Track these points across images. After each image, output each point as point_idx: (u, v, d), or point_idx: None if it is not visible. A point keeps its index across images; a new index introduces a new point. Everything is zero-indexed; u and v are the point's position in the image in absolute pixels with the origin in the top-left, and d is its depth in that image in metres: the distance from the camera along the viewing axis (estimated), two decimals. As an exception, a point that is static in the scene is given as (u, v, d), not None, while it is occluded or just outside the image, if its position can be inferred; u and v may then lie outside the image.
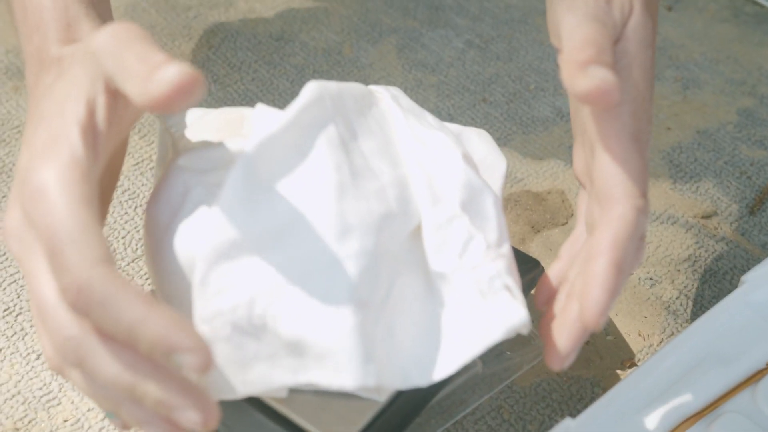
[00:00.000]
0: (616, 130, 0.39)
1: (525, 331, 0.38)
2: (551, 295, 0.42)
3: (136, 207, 0.57)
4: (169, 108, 0.33)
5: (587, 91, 0.36)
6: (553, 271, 0.44)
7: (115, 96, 0.37)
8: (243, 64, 0.68)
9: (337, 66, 0.68)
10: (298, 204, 0.37)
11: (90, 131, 0.36)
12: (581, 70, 0.37)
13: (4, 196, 0.57)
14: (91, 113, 0.36)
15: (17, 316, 0.51)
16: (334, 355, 0.35)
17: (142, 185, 0.59)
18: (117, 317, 0.32)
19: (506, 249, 0.40)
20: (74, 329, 0.34)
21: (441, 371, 0.38)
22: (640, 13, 0.41)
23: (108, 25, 0.37)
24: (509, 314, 0.38)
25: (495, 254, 0.39)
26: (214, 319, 0.36)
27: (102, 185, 0.39)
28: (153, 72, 0.33)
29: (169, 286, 0.38)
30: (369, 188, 0.38)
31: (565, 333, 0.39)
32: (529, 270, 0.45)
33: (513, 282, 0.38)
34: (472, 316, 0.38)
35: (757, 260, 0.56)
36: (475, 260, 0.39)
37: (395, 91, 0.45)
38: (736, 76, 0.69)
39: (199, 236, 0.37)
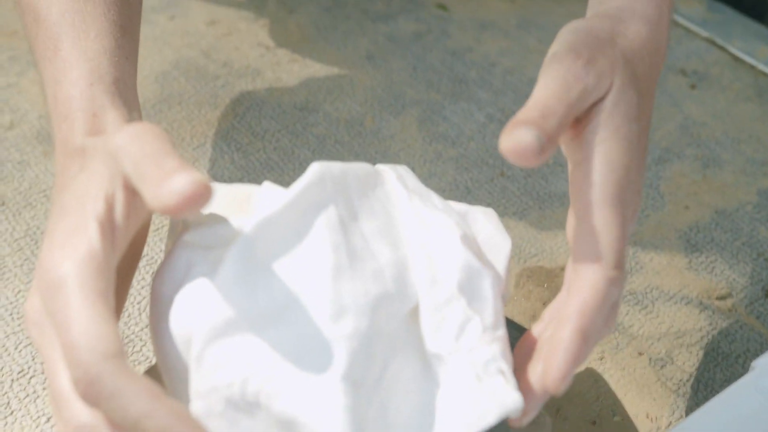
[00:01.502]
0: (595, 199, 0.40)
1: (518, 415, 0.38)
2: (528, 353, 0.42)
3: (153, 273, 0.58)
4: (180, 215, 0.35)
5: (503, 148, 0.38)
6: (535, 330, 0.44)
7: (133, 192, 0.39)
8: (266, 133, 0.69)
9: (358, 137, 0.69)
10: (295, 284, 0.37)
11: (108, 226, 0.38)
12: (512, 128, 0.38)
13: (26, 260, 0.59)
14: (109, 209, 0.38)
15: (30, 378, 0.52)
16: (323, 435, 0.36)
17: (161, 251, 0.60)
18: (124, 410, 0.34)
19: (501, 332, 0.40)
20: (86, 418, 0.36)
21: (434, 453, 0.38)
22: (621, 86, 0.42)
23: (128, 125, 0.39)
24: (503, 399, 0.38)
25: (491, 337, 0.39)
26: (209, 395, 0.37)
27: (123, 266, 0.42)
28: (165, 180, 0.35)
29: (168, 359, 0.39)
30: (366, 269, 0.39)
31: (528, 393, 0.39)
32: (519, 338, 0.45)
33: (507, 367, 0.39)
34: (467, 398, 0.38)
35: (771, 345, 0.56)
36: (472, 343, 0.39)
37: (402, 170, 0.46)
38: (757, 156, 0.69)
39: (197, 313, 0.37)
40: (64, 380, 0.37)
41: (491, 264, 0.43)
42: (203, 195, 0.35)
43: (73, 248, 0.37)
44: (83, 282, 0.36)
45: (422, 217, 0.42)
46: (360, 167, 0.43)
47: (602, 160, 0.41)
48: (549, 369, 0.38)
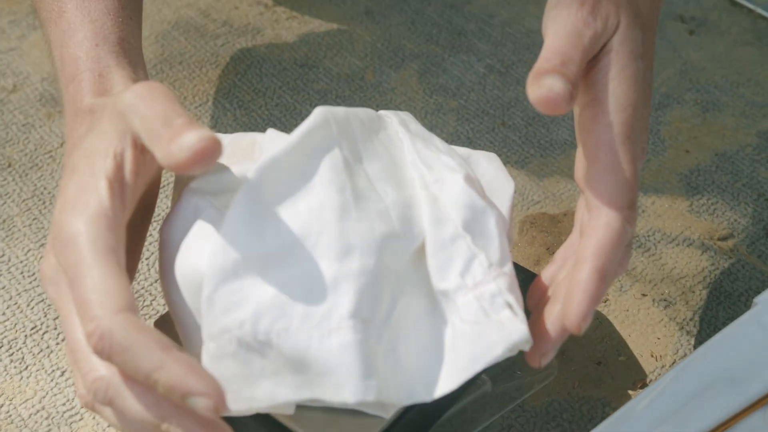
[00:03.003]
0: (606, 139, 0.40)
1: (526, 347, 0.39)
2: (541, 296, 0.43)
3: (159, 228, 0.59)
4: (191, 170, 0.36)
5: (535, 99, 0.39)
6: (546, 273, 0.45)
7: (142, 150, 0.40)
8: (268, 90, 0.70)
9: (359, 91, 0.70)
10: (301, 225, 0.38)
11: (117, 184, 0.39)
12: (537, 78, 0.39)
13: (34, 219, 0.59)
14: (118, 167, 0.39)
15: (44, 334, 0.53)
16: (335, 371, 0.36)
17: (167, 207, 0.60)
18: (136, 363, 0.35)
19: (508, 268, 0.40)
20: (102, 371, 0.37)
21: (443, 387, 0.39)
22: (627, 25, 0.42)
23: (135, 85, 0.40)
24: (511, 331, 0.38)
25: (497, 272, 0.40)
26: (221, 336, 0.37)
27: (135, 223, 0.42)
28: (175, 137, 0.36)
29: (178, 305, 0.40)
30: (372, 209, 0.39)
31: (545, 333, 0.40)
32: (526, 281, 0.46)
33: (514, 300, 0.39)
34: (475, 333, 0.39)
35: (773, 282, 0.56)
36: (477, 278, 0.39)
37: (405, 115, 0.46)
38: (756, 99, 0.69)
39: (206, 256, 0.38)
40: (79, 335, 0.38)
41: (495, 205, 0.43)
42: (214, 150, 0.36)
43: (83, 206, 0.38)
44: (94, 238, 0.37)
45: (425, 159, 0.42)
46: (363, 111, 0.43)
47: (611, 100, 0.41)
48: (569, 309, 0.39)
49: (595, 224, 0.40)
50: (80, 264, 0.36)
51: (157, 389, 0.35)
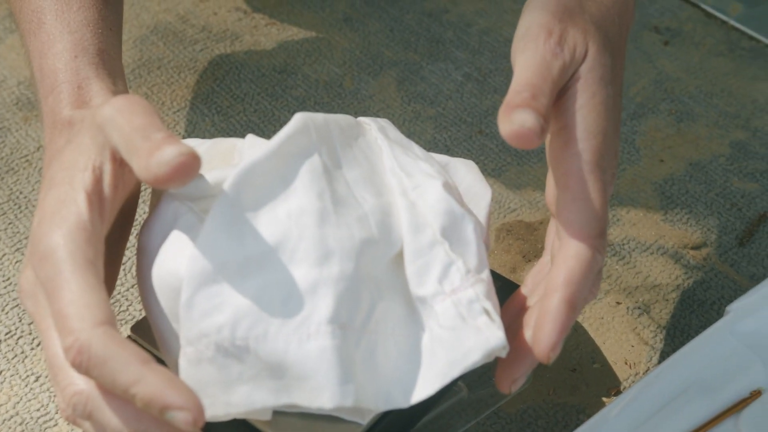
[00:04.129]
0: (575, 168, 0.41)
1: (503, 353, 0.39)
2: (517, 313, 0.43)
3: (137, 234, 0.59)
4: (169, 185, 0.36)
5: (507, 134, 0.39)
6: (518, 296, 0.45)
7: (121, 163, 0.40)
8: (246, 96, 0.70)
9: (338, 98, 0.70)
10: (280, 230, 0.38)
11: (96, 197, 0.39)
12: (508, 113, 0.39)
13: (10, 224, 0.59)
14: (97, 180, 0.39)
15: (18, 339, 0.53)
16: (312, 376, 0.36)
17: (144, 213, 0.60)
18: (114, 377, 0.35)
19: (486, 274, 0.41)
20: (81, 385, 0.37)
21: (421, 393, 0.39)
22: (596, 52, 0.43)
23: (114, 98, 0.40)
24: (488, 337, 0.39)
25: (474, 279, 0.40)
26: (199, 341, 0.37)
27: (113, 236, 0.42)
28: (153, 151, 0.36)
29: (156, 309, 0.40)
30: (351, 215, 0.40)
31: (516, 360, 0.41)
32: (511, 294, 0.46)
33: (491, 306, 0.40)
34: (452, 338, 0.39)
35: (745, 291, 0.57)
36: (455, 284, 0.40)
37: (384, 122, 0.46)
38: (730, 110, 0.70)
39: (185, 261, 0.38)
40: (58, 349, 0.38)
41: (473, 212, 0.44)
42: (192, 165, 0.36)
43: (62, 219, 0.38)
44: (72, 252, 0.37)
45: (404, 166, 0.43)
46: (342, 118, 0.43)
47: (581, 127, 0.42)
48: (538, 338, 0.39)
49: (564, 254, 0.41)
50: (58, 277, 0.36)
51: (135, 403, 0.35)
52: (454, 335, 0.39)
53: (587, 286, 0.41)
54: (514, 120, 0.39)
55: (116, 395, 0.37)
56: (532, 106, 0.39)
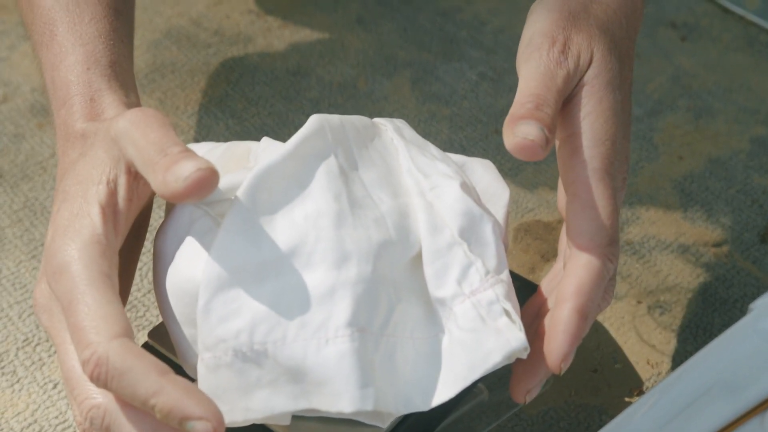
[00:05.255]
0: (583, 176, 0.40)
1: (524, 355, 0.39)
2: (537, 313, 0.43)
3: (152, 240, 0.59)
4: (187, 200, 0.36)
5: (511, 147, 0.39)
6: (533, 302, 0.45)
7: (135, 176, 0.40)
8: (260, 99, 0.69)
9: (352, 99, 0.70)
10: (297, 233, 0.38)
11: (110, 210, 0.39)
12: (512, 125, 0.39)
13: (26, 230, 0.59)
14: (111, 193, 0.39)
15: (36, 346, 0.53)
16: (332, 381, 0.36)
17: (160, 218, 0.60)
18: (133, 389, 0.35)
19: (505, 275, 0.40)
20: (98, 398, 0.37)
21: (441, 396, 0.38)
22: (602, 58, 0.42)
23: (128, 111, 0.40)
24: (509, 338, 0.38)
25: (494, 280, 0.39)
26: (217, 346, 0.37)
27: (127, 248, 0.42)
28: (171, 166, 0.36)
29: (173, 314, 0.39)
30: (368, 217, 0.39)
31: (530, 370, 0.41)
32: (530, 296, 0.46)
33: (512, 307, 0.39)
34: (472, 340, 0.39)
35: (768, 288, 0.56)
36: (474, 285, 0.39)
37: (399, 123, 0.46)
38: (749, 105, 0.70)
39: (202, 265, 0.38)
40: (74, 362, 0.38)
41: (491, 212, 0.43)
42: (210, 180, 0.36)
43: (76, 233, 0.38)
44: (87, 265, 0.37)
45: (421, 166, 0.42)
46: (358, 119, 0.43)
47: (588, 134, 0.41)
48: (550, 349, 0.39)
49: (575, 263, 0.40)
50: (74, 291, 0.36)
51: (154, 414, 0.35)
52: (473, 337, 0.38)
53: (599, 295, 0.41)
54: (518, 132, 0.39)
55: (135, 407, 0.36)
56: (536, 117, 0.39)
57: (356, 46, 0.74)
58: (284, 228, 0.38)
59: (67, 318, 0.36)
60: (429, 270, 0.40)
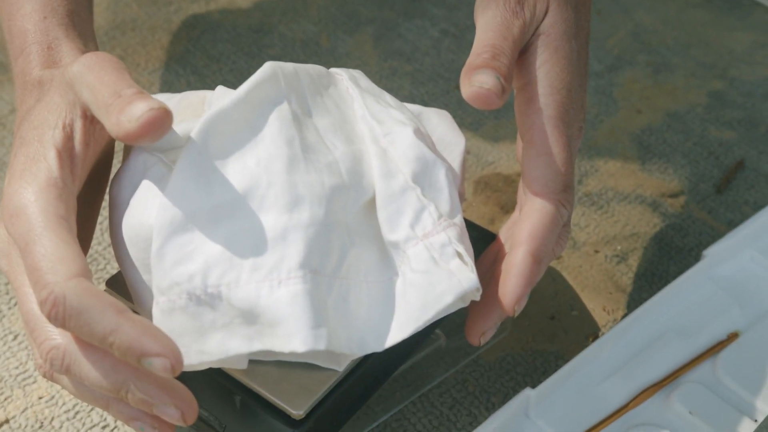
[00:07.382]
0: (539, 123, 0.41)
1: (477, 297, 0.39)
2: (496, 259, 0.44)
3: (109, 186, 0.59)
4: (141, 141, 0.36)
5: (467, 96, 0.40)
6: (491, 250, 0.45)
7: (92, 120, 0.40)
8: (222, 56, 0.69)
9: (315, 56, 0.70)
10: (250, 177, 0.38)
11: (66, 154, 0.39)
12: (469, 75, 0.40)
13: (-15, 186, 0.59)
14: (68, 137, 0.39)
15: (-4, 299, 0.53)
16: (285, 321, 0.36)
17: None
18: (91, 327, 0.35)
19: (459, 219, 0.41)
20: (57, 339, 0.37)
21: (394, 337, 0.39)
22: (558, 7, 0.43)
23: (83, 55, 0.39)
24: (461, 279, 0.39)
25: (447, 223, 0.40)
26: (171, 290, 0.37)
27: (88, 195, 0.42)
28: (124, 107, 0.36)
29: (129, 261, 0.40)
30: (321, 161, 0.39)
31: (484, 312, 0.41)
32: (488, 244, 0.46)
33: (464, 249, 0.40)
34: (425, 282, 0.39)
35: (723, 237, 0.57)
36: (427, 229, 0.40)
37: (356, 73, 0.46)
38: (707, 60, 0.70)
39: (155, 211, 0.38)
40: (33, 305, 0.38)
41: (445, 159, 0.43)
42: (164, 120, 0.36)
43: (32, 176, 0.38)
44: (43, 207, 0.37)
45: (375, 114, 0.43)
46: (312, 68, 0.43)
47: (544, 83, 0.42)
48: (504, 292, 0.40)
49: (529, 208, 0.41)
50: (31, 233, 0.36)
51: (113, 352, 0.35)
52: (426, 278, 0.39)
53: (552, 240, 0.41)
54: (474, 81, 0.39)
55: (94, 347, 0.36)
56: (492, 67, 0.40)
57: (319, 3, 0.74)
58: (236, 172, 0.38)
59: (24, 260, 0.36)
60: (382, 214, 0.40)
